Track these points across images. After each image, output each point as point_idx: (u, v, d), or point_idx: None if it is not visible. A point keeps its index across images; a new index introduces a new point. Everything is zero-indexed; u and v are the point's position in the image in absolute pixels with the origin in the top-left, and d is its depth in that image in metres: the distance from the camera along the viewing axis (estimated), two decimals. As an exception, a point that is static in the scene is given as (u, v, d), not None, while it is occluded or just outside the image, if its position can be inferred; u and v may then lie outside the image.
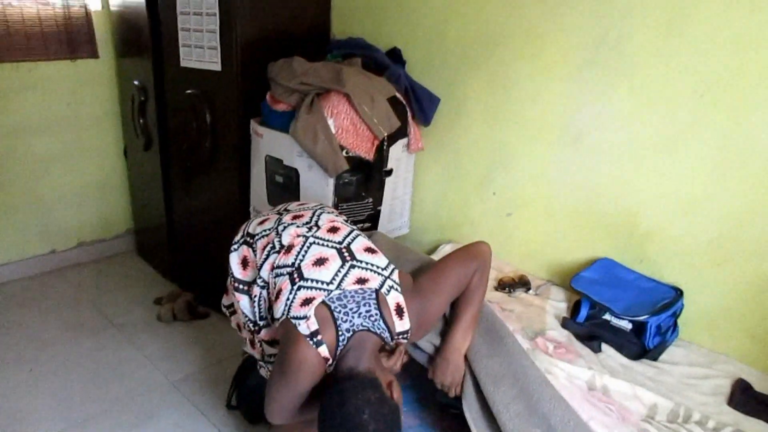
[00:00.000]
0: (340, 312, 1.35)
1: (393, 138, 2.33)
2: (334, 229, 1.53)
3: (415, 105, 2.39)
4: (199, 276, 2.95)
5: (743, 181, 1.70)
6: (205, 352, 2.60)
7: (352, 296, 1.38)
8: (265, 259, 1.50)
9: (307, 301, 1.35)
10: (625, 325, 1.83)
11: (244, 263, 1.59)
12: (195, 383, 2.40)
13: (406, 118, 2.36)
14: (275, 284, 1.45)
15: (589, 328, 1.88)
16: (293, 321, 1.34)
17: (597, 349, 1.79)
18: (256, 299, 1.53)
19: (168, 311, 2.82)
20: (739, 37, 1.62)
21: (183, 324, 2.82)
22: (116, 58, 3.25)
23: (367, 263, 1.45)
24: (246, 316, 1.59)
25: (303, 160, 2.21)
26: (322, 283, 1.39)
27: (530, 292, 2.13)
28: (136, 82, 3.00)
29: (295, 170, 2.25)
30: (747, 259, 1.74)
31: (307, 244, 1.47)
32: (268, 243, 1.53)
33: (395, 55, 2.51)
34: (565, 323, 1.91)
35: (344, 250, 1.47)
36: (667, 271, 1.92)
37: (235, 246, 1.62)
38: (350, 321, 1.35)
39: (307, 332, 1.32)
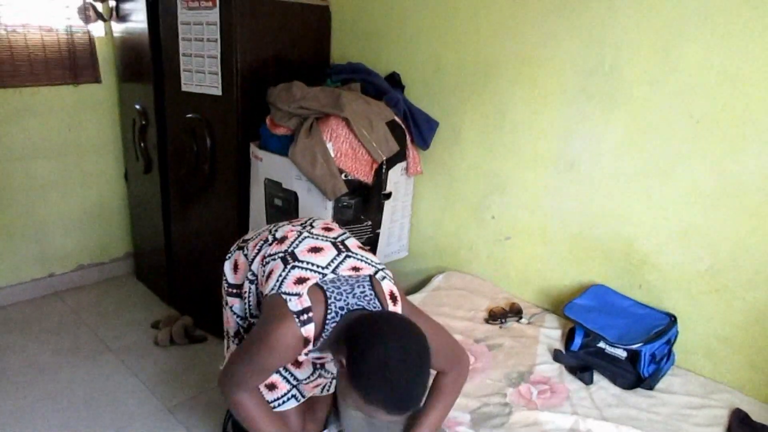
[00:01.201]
0: (333, 292, 1.28)
1: (392, 161, 2.35)
2: (328, 229, 1.54)
3: (414, 129, 2.40)
4: (198, 299, 2.95)
5: (739, 209, 1.71)
6: (201, 377, 2.58)
7: (346, 280, 1.32)
8: (257, 253, 1.50)
9: (300, 280, 1.30)
10: (620, 353, 1.81)
11: (236, 267, 1.60)
12: (191, 409, 2.38)
13: (404, 142, 2.37)
14: (264, 271, 1.41)
15: (583, 357, 1.86)
16: (284, 296, 1.28)
17: (588, 381, 1.77)
18: (247, 296, 1.52)
19: (165, 335, 2.81)
20: (733, 63, 1.64)
21: (180, 348, 2.81)
22: (118, 83, 3.29)
23: (362, 255, 1.43)
24: (237, 317, 1.60)
25: (302, 183, 2.22)
26: (317, 266, 1.35)
27: (523, 320, 2.12)
28: (137, 106, 3.03)
29: (294, 193, 2.27)
30: (743, 286, 1.74)
31: (302, 237, 1.47)
32: (261, 240, 1.53)
33: (394, 79, 2.53)
34: (556, 356, 1.89)
35: (339, 244, 1.45)
36: (664, 297, 1.91)
37: (229, 255, 1.64)
38: (344, 300, 1.28)
39: (297, 309, 1.25)
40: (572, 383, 1.79)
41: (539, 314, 2.18)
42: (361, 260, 1.41)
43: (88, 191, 3.37)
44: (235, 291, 1.59)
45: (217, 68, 2.49)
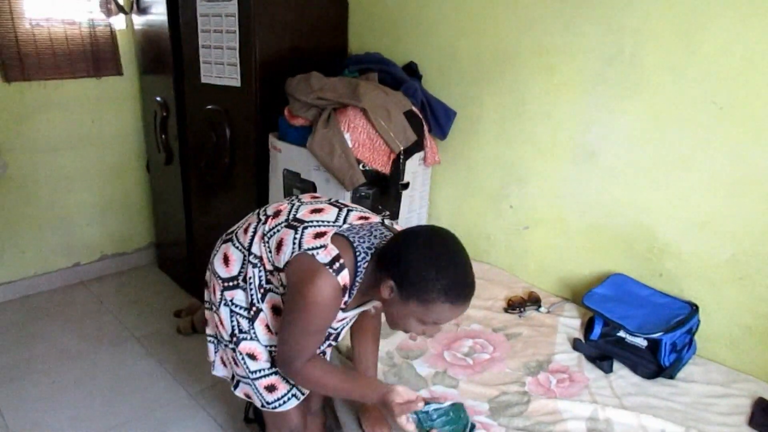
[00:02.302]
0: (354, 237, 1.28)
1: (409, 152, 2.35)
2: (315, 197, 1.51)
3: (432, 119, 2.40)
4: (218, 288, 2.99)
5: (763, 197, 1.68)
6: (222, 365, 2.63)
7: (361, 227, 1.33)
8: (253, 235, 1.43)
9: (319, 234, 1.28)
10: (641, 342, 1.80)
11: (226, 260, 1.49)
12: (213, 396, 2.42)
13: (422, 132, 2.37)
14: (270, 245, 1.36)
15: (602, 346, 1.86)
16: (309, 252, 1.24)
17: (608, 370, 1.77)
18: (251, 280, 1.43)
19: (187, 323, 2.86)
20: (756, 47, 1.61)
21: (202, 336, 2.85)
22: (139, 75, 3.33)
23: (362, 208, 1.44)
24: (237, 311, 1.48)
25: (320, 174, 2.24)
26: (327, 221, 1.33)
27: (542, 309, 2.12)
28: (158, 98, 3.07)
29: (313, 183, 2.28)
30: (767, 275, 1.71)
31: (296, 206, 1.42)
32: (250, 223, 1.47)
33: (411, 69, 2.53)
34: (575, 345, 1.89)
35: (335, 202, 1.44)
36: (685, 286, 1.89)
37: (215, 251, 1.56)
38: (368, 241, 1.28)
39: (327, 259, 1.23)
40: (591, 372, 1.79)
41: (558, 303, 2.17)
42: (364, 211, 1.42)
43: (111, 182, 3.43)
44: (232, 284, 1.48)
45: (235, 60, 2.51)
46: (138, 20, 3.17)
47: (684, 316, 1.79)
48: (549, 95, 2.10)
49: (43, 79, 3.04)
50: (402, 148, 2.23)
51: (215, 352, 1.63)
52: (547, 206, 2.21)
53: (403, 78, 2.41)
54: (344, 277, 1.24)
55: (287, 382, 1.51)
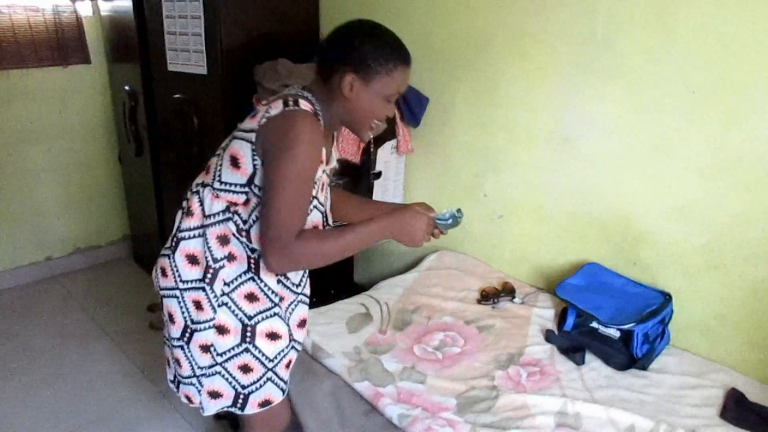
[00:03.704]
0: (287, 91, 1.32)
1: (380, 140, 2.29)
2: None
3: (404, 106, 2.34)
4: (192, 282, 2.93)
5: (737, 183, 1.63)
6: (195, 360, 2.57)
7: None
8: (197, 201, 1.33)
9: (256, 114, 1.27)
10: (613, 333, 1.77)
11: (164, 274, 1.37)
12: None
13: (394, 120, 2.31)
14: (222, 175, 1.28)
15: (575, 337, 1.82)
16: (264, 117, 1.22)
17: (580, 362, 1.73)
18: (212, 239, 1.30)
19: (160, 318, 2.79)
20: (731, 31, 1.55)
21: (175, 331, 2.80)
22: (108, 64, 3.24)
23: None
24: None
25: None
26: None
27: (516, 300, 2.08)
28: (126, 88, 2.98)
29: (281, 175, 2.22)
30: (741, 263, 1.68)
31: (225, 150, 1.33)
32: (186, 202, 1.37)
33: (383, 56, 2.46)
34: (548, 336, 1.85)
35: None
36: (659, 275, 1.86)
37: (155, 273, 1.43)
38: (298, 90, 1.31)
39: (281, 105, 1.22)
40: (563, 365, 1.75)
41: (533, 294, 2.13)
42: None
43: (82, 175, 3.34)
44: (191, 285, 1.33)
45: (201, 47, 2.43)
46: (104, 6, 3.07)
47: (657, 305, 1.75)
48: (523, 81, 2.04)
49: (6, 68, 2.93)
50: (372, 137, 2.17)
51: (172, 361, 1.46)
52: (523, 194, 2.16)
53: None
54: (306, 104, 1.25)
55: (261, 363, 1.39)
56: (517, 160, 2.15)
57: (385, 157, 2.34)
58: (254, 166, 1.25)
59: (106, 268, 3.48)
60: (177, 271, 1.35)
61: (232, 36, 2.39)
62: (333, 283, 2.57)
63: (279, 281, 1.37)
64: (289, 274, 1.39)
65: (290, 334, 1.42)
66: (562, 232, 2.09)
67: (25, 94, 3.03)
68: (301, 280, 1.44)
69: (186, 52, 2.51)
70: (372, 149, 2.23)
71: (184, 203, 1.38)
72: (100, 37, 3.20)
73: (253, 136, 1.24)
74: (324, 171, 1.36)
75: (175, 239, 1.38)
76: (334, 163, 1.45)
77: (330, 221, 1.48)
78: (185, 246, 1.34)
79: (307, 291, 1.48)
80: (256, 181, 1.26)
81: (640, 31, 1.71)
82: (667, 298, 1.78)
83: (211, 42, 2.38)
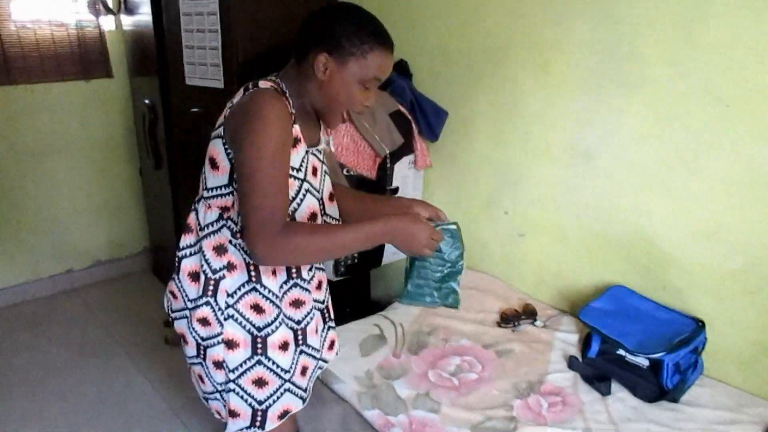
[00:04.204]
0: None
1: (397, 155, 2.23)
2: None
3: (422, 119, 2.27)
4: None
5: (775, 202, 1.52)
6: (208, 377, 2.54)
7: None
8: (195, 222, 1.30)
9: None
10: (641, 361, 1.66)
11: (218, 249, 1.26)
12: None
13: (411, 134, 2.25)
14: (207, 180, 1.24)
15: (600, 365, 1.71)
16: (228, 109, 1.19)
17: (605, 392, 1.62)
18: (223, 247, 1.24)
19: (176, 334, 2.77)
20: (764, 38, 1.45)
21: (190, 346, 2.76)
22: (130, 78, 3.25)
23: None
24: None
25: (302, 180, 2.12)
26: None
27: (537, 323, 1.98)
28: (146, 101, 2.98)
29: (296, 190, 2.17)
30: (780, 289, 1.56)
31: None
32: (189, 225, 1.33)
33: (402, 67, 2.40)
34: (571, 363, 1.75)
35: None
36: (691, 300, 1.74)
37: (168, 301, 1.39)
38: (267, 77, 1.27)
39: (242, 91, 1.21)
40: (587, 394, 1.65)
41: (555, 316, 2.03)
42: None
43: (103, 187, 3.36)
44: (197, 303, 1.27)
45: (218, 60, 2.40)
46: (126, 20, 3.09)
47: (689, 333, 1.64)
48: (543, 93, 1.96)
49: (30, 82, 2.97)
50: (388, 152, 2.11)
51: (207, 376, 1.37)
52: (543, 212, 2.07)
53: (390, 77, 2.28)
54: (265, 83, 1.19)
55: (276, 375, 1.32)
56: (536, 175, 2.06)
57: (403, 171, 2.27)
58: (230, 161, 1.19)
59: (126, 280, 3.48)
60: (183, 291, 1.32)
61: (248, 49, 2.36)
62: (349, 301, 2.50)
63: (284, 282, 1.30)
64: (300, 268, 1.32)
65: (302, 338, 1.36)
66: (585, 252, 1.99)
67: (48, 108, 3.06)
68: (311, 275, 1.37)
69: (203, 66, 2.50)
70: (389, 164, 2.17)
71: (186, 222, 1.35)
72: (123, 51, 3.22)
73: (221, 130, 1.20)
74: (311, 153, 1.28)
75: (177, 259, 1.34)
76: (323, 145, 1.37)
77: (333, 212, 1.40)
78: (186, 264, 1.30)
79: (320, 296, 1.42)
80: (236, 175, 1.19)
81: (667, 41, 1.62)
82: (699, 324, 1.67)
83: (227, 55, 2.36)
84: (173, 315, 1.40)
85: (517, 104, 2.04)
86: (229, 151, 1.18)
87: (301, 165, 1.23)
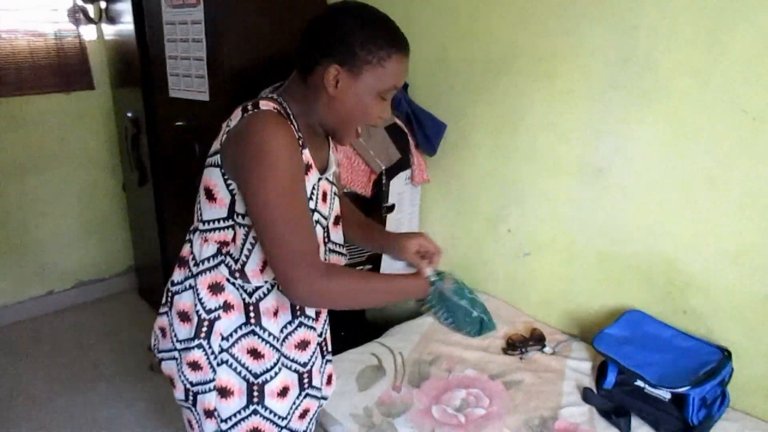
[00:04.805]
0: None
1: (394, 170, 2.10)
2: None
3: (419, 133, 2.15)
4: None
5: (806, 222, 1.40)
6: (195, 407, 2.39)
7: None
8: (190, 255, 1.18)
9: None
10: (663, 393, 1.53)
11: (214, 287, 1.13)
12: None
13: (407, 148, 2.12)
14: (203, 211, 1.11)
15: (618, 397, 1.58)
16: (224, 135, 1.05)
17: (625, 429, 1.49)
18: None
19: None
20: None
21: (176, 373, 2.61)
22: (113, 89, 3.11)
23: None
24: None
25: (293, 199, 1.99)
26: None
27: (546, 350, 1.85)
28: (129, 114, 2.84)
29: (287, 209, 2.03)
30: (813, 315, 1.44)
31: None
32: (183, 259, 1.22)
33: (398, 78, 2.28)
34: (586, 395, 1.62)
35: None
36: (715, 326, 1.62)
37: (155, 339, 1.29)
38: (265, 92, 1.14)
39: (239, 114, 1.04)
40: (606, 431, 1.51)
41: (565, 342, 1.90)
42: None
43: (85, 204, 3.21)
44: (187, 345, 1.15)
45: (203, 71, 2.27)
46: (108, 30, 2.95)
47: (715, 364, 1.51)
48: (550, 104, 1.83)
49: (7, 95, 2.82)
50: (384, 168, 1.98)
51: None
52: (551, 230, 1.94)
53: (386, 88, 2.16)
54: (267, 104, 1.03)
55: (273, 423, 1.17)
56: (544, 192, 1.93)
57: (399, 188, 2.14)
58: (230, 192, 1.05)
59: (110, 301, 3.32)
60: (173, 330, 1.18)
61: (235, 60, 2.23)
62: (343, 324, 2.36)
63: (289, 322, 1.18)
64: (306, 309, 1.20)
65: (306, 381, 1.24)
66: (597, 273, 1.86)
67: (27, 122, 2.91)
68: (318, 314, 1.25)
69: (188, 77, 2.36)
70: (384, 180, 2.04)
71: (180, 254, 1.22)
72: (105, 62, 3.08)
73: (218, 158, 1.06)
74: (324, 178, 1.16)
75: (169, 294, 1.22)
76: (335, 168, 1.24)
77: (337, 239, 1.27)
78: (178, 301, 1.17)
79: (319, 327, 1.27)
80: (238, 208, 1.06)
81: (689, 48, 1.50)
82: (725, 354, 1.54)
83: (213, 66, 2.23)
84: (160, 355, 1.26)
85: (521, 116, 1.92)
86: (229, 182, 1.05)
87: (312, 193, 1.10)
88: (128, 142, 2.87)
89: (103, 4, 2.90)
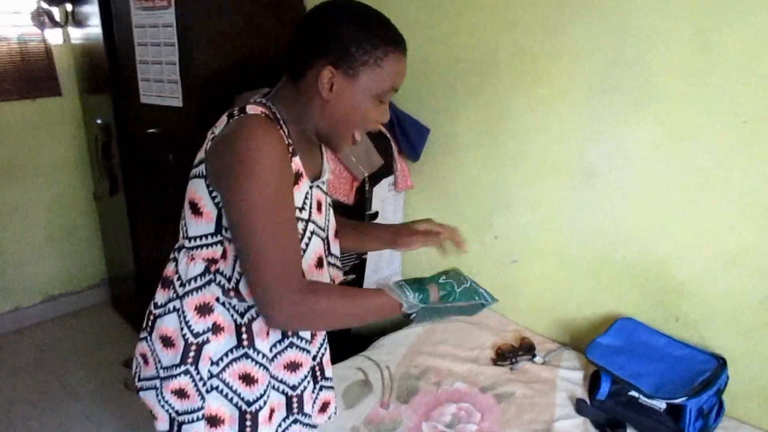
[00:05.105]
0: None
1: (377, 177, 2.04)
2: None
3: (402, 138, 2.09)
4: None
5: (800, 226, 1.37)
6: (173, 426, 2.28)
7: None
8: (176, 275, 1.09)
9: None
10: (658, 404, 1.49)
11: (202, 309, 1.04)
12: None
13: (390, 154, 2.06)
14: (188, 227, 1.03)
15: (612, 408, 1.54)
16: (210, 143, 0.96)
17: (623, 441, 1.45)
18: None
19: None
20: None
21: (152, 390, 2.50)
22: (81, 96, 2.99)
23: None
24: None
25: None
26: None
27: (536, 359, 1.80)
28: (99, 121, 2.73)
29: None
30: (808, 320, 1.41)
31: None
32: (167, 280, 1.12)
33: (378, 82, 2.21)
34: (579, 407, 1.57)
35: None
36: (708, 333, 1.58)
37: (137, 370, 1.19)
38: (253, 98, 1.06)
39: (225, 119, 0.98)
40: (601, 444, 1.47)
41: (555, 351, 1.85)
42: None
43: (54, 215, 3.08)
44: (171, 372, 1.06)
45: (176, 76, 2.18)
46: (75, 34, 2.83)
47: (710, 372, 1.48)
48: (537, 107, 1.79)
49: (-33, 103, 2.69)
50: (366, 175, 1.91)
51: None
52: (540, 236, 1.90)
53: (367, 92, 2.10)
54: (254, 108, 0.96)
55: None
56: (532, 197, 1.89)
57: (382, 195, 2.08)
58: (217, 205, 0.97)
59: (82, 316, 3.19)
60: (156, 356, 1.09)
61: (210, 64, 2.15)
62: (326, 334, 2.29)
63: (278, 341, 1.09)
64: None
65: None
66: (588, 280, 1.82)
67: (-11, 131, 2.78)
68: (314, 335, 1.16)
69: (160, 82, 2.27)
70: (367, 187, 1.98)
71: (163, 274, 1.12)
72: (72, 67, 2.96)
73: (203, 168, 0.98)
74: (316, 186, 1.08)
75: (151, 317, 1.12)
76: (328, 175, 1.17)
77: (335, 250, 1.20)
78: (160, 325, 1.08)
79: (314, 350, 1.18)
80: (226, 222, 0.98)
81: (679, 50, 1.46)
82: (721, 362, 1.51)
83: (186, 71, 2.14)
84: (140, 384, 1.16)
85: (508, 119, 1.87)
86: (215, 194, 0.97)
87: (304, 203, 1.03)
88: (98, 150, 2.75)
89: (69, 7, 2.78)
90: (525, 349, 1.85)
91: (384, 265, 2.22)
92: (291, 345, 1.11)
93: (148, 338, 1.12)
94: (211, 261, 1.02)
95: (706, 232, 1.52)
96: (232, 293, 1.02)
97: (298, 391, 1.14)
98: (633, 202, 1.65)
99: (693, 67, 1.45)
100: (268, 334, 1.07)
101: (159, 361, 1.08)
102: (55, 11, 2.82)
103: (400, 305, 1.00)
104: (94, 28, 2.58)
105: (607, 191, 1.70)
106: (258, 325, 1.06)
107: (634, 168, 1.62)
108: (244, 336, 1.04)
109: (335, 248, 1.20)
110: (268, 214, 0.91)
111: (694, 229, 1.54)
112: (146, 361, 1.13)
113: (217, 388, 1.04)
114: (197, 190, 1.00)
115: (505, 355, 1.82)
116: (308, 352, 1.14)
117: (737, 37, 1.36)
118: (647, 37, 1.50)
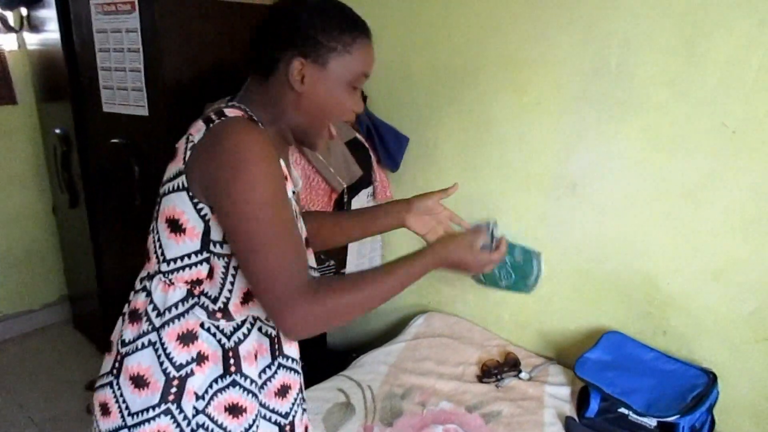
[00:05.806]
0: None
1: (355, 188, 1.96)
2: None
3: (380, 147, 2.02)
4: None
5: (787, 237, 1.36)
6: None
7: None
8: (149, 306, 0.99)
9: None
10: (649, 421, 1.45)
11: (184, 338, 0.94)
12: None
13: (369, 164, 1.99)
14: (163, 248, 0.94)
15: (602, 426, 1.50)
16: (188, 149, 0.88)
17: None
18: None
19: (100, 400, 2.38)
20: (776, 59, 1.29)
21: (117, 414, 2.37)
22: (38, 104, 2.84)
23: None
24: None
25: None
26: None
27: (522, 375, 1.75)
28: (57, 131, 2.59)
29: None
30: (797, 332, 1.40)
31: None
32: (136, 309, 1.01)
33: (354, 90, 2.15)
34: (569, 425, 1.53)
35: None
36: (696, 347, 1.56)
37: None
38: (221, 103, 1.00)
39: (202, 125, 0.89)
40: (592, 463, 1.43)
41: (541, 366, 1.81)
42: None
43: (9, 229, 2.91)
44: (147, 416, 0.94)
45: (141, 83, 2.07)
46: (31, 39, 2.68)
47: (701, 388, 1.45)
48: (520, 116, 1.75)
49: None
50: (345, 186, 1.84)
51: None
52: (523, 248, 1.85)
53: (343, 100, 2.03)
54: (233, 111, 0.91)
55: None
56: (514, 208, 1.85)
57: (361, 206, 2.01)
58: (203, 218, 0.89)
59: (40, 335, 3.02)
60: (124, 402, 0.95)
61: (177, 70, 2.04)
62: (302, 354, 2.20)
63: (268, 365, 1.01)
64: (283, 344, 1.04)
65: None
66: (572, 293, 1.78)
67: (-62, 141, 2.61)
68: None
69: (124, 90, 2.15)
70: (345, 199, 1.90)
71: (125, 308, 1.01)
72: (28, 74, 2.80)
73: (182, 179, 0.89)
74: (293, 192, 1.02)
75: (118, 358, 0.97)
76: (300, 186, 1.13)
77: (311, 261, 1.12)
78: (130, 364, 0.95)
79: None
80: (214, 236, 0.90)
81: (664, 58, 1.44)
82: (711, 377, 1.48)
83: (152, 78, 2.03)
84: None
85: (490, 128, 1.82)
86: (200, 206, 0.88)
87: (293, 210, 0.97)
88: (57, 161, 2.61)
89: (24, 11, 2.64)
90: (510, 364, 1.80)
91: (366, 251, 2.14)
92: (280, 367, 1.03)
93: (114, 382, 0.97)
94: (195, 283, 0.93)
95: (693, 244, 1.50)
96: (219, 314, 0.93)
97: (290, 419, 1.06)
98: (616, 213, 1.62)
99: (679, 75, 1.42)
100: (256, 357, 0.99)
101: (126, 408, 0.95)
102: (9, 16, 2.67)
103: (425, 266, 0.98)
104: (51, 33, 2.44)
105: (590, 203, 1.67)
106: (246, 348, 0.97)
107: (620, 178, 1.59)
108: (231, 361, 0.95)
109: (311, 258, 1.12)
110: (272, 217, 0.85)
111: (680, 241, 1.52)
112: (107, 412, 0.98)
113: (203, 425, 0.94)
114: (178, 204, 0.90)
115: (490, 372, 1.77)
116: (297, 372, 1.07)
117: (724, 44, 1.35)
118: (632, 46, 1.48)
